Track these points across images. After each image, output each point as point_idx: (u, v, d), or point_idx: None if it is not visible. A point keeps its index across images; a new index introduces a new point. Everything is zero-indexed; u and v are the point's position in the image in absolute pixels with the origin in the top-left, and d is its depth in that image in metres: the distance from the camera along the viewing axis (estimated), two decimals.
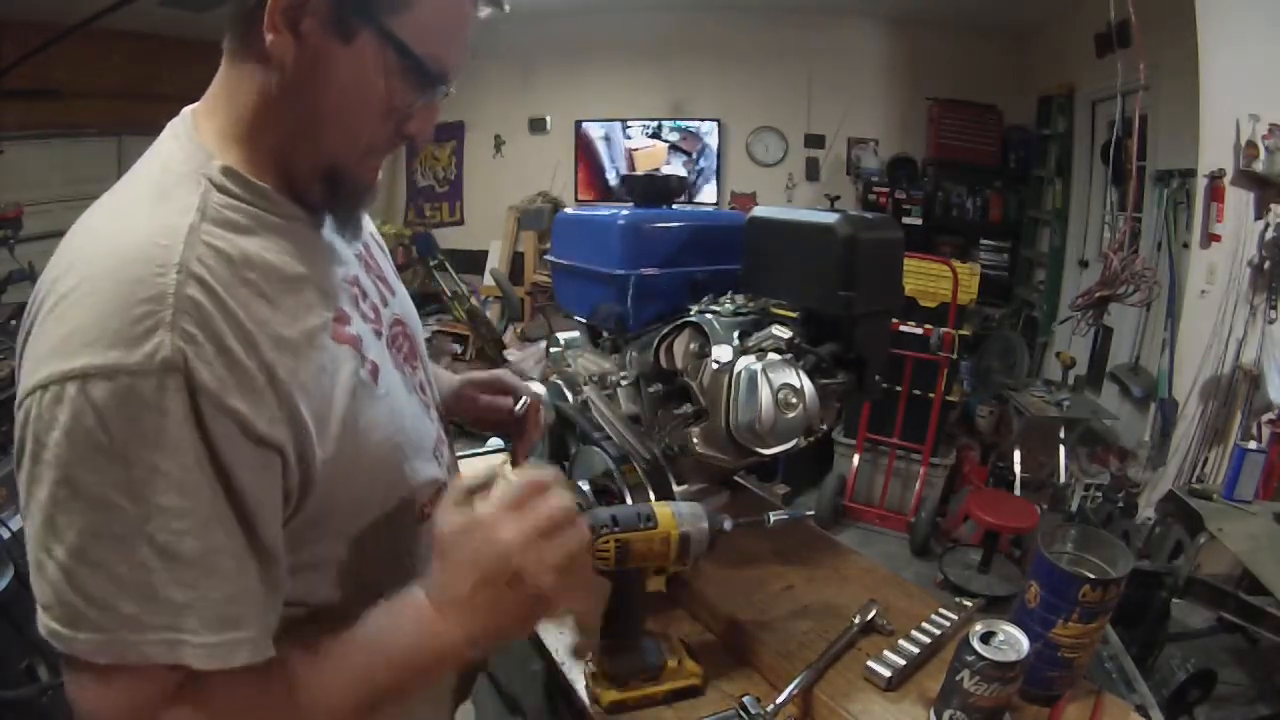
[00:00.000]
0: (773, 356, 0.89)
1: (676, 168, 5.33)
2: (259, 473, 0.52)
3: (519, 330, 5.23)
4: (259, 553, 0.53)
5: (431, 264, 5.41)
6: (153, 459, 0.47)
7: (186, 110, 0.62)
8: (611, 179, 5.53)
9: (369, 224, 0.74)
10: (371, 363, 0.63)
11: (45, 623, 0.52)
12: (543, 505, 0.58)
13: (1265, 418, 2.92)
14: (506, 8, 0.66)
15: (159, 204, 0.54)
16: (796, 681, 0.78)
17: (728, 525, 0.78)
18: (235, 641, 0.51)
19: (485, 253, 5.91)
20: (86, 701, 0.52)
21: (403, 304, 0.76)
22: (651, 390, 1.00)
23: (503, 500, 0.57)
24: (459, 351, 5.63)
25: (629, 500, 0.90)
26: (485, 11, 0.65)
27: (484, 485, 0.59)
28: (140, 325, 0.48)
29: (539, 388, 1.16)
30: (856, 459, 3.39)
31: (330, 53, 0.55)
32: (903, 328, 3.18)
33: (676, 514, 0.75)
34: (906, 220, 4.68)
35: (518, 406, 0.94)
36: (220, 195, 0.56)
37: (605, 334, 1.18)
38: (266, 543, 0.53)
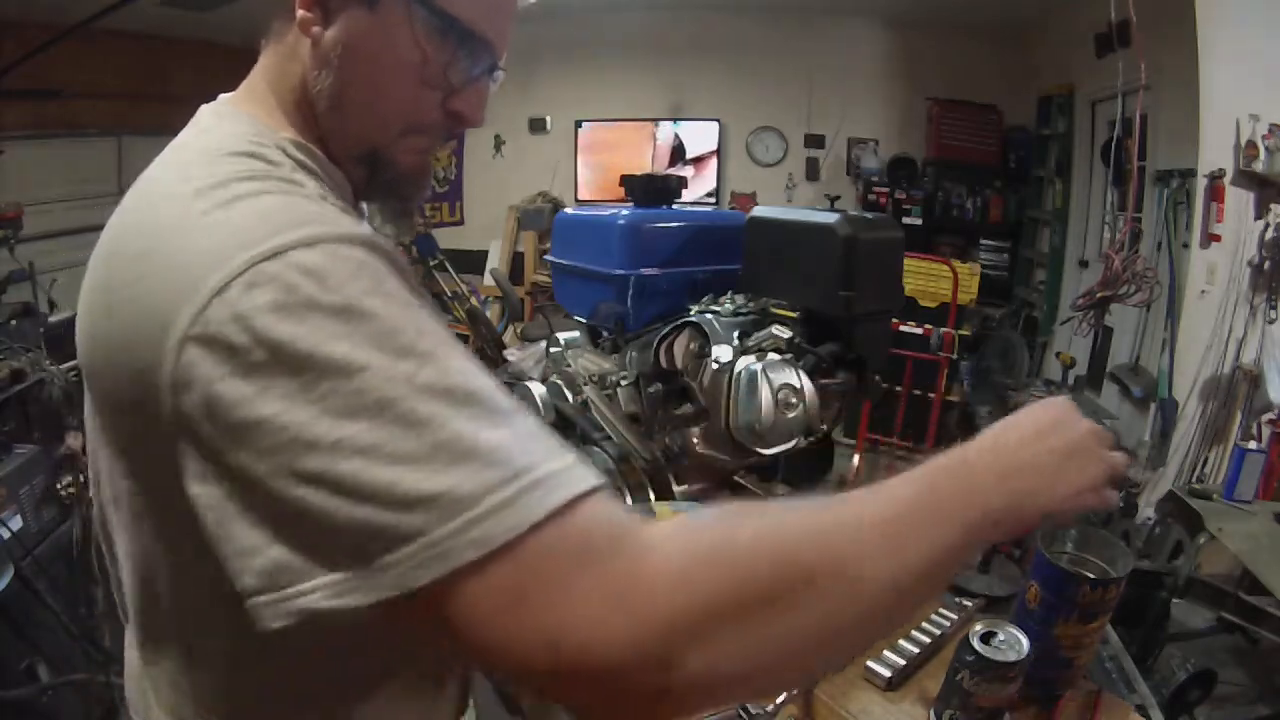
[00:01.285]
0: (773, 356, 0.89)
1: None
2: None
3: (519, 330, 5.22)
4: None
5: (431, 264, 5.40)
6: (396, 304, 0.41)
7: (223, 97, 0.61)
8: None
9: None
10: None
11: (389, 562, 0.35)
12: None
13: (1265, 418, 2.92)
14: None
15: (261, 155, 0.50)
16: None
17: None
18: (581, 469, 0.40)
19: (485, 253, 5.91)
20: (502, 628, 0.36)
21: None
22: (651, 390, 1.00)
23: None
24: None
25: (629, 500, 0.90)
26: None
27: None
28: (318, 219, 0.42)
29: (539, 388, 1.16)
30: (856, 459, 3.39)
31: (356, 20, 0.53)
32: (903, 328, 3.18)
33: (677, 512, 0.75)
34: (906, 220, 4.68)
35: None
36: (301, 167, 0.52)
37: (605, 334, 1.18)
38: None
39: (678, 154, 5.45)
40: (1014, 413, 0.55)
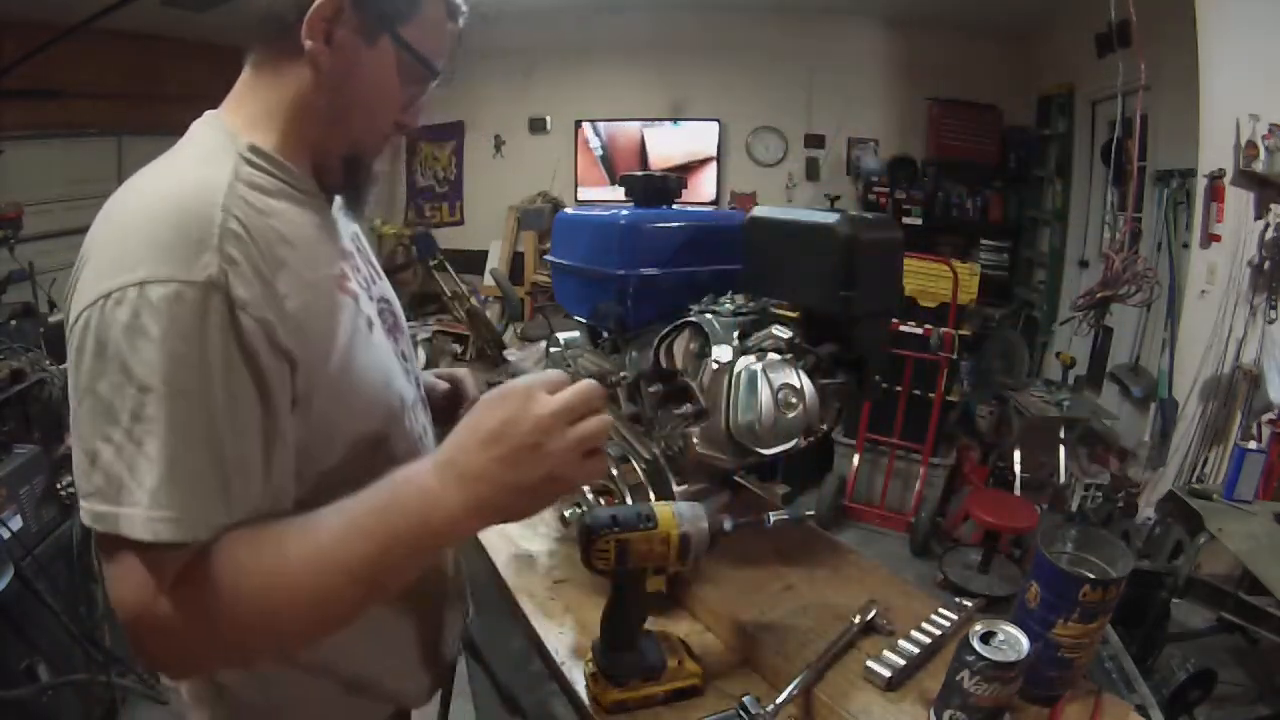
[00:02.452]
0: (773, 356, 0.89)
1: None
2: (276, 371, 0.59)
3: (519, 330, 5.23)
4: (268, 432, 0.59)
5: (431, 264, 5.40)
6: (193, 353, 0.55)
7: (209, 112, 0.74)
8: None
9: (352, 224, 0.82)
10: (366, 316, 0.72)
11: (91, 509, 0.55)
12: (575, 387, 0.60)
13: (1265, 418, 2.92)
14: (461, 22, 0.77)
15: (200, 166, 0.65)
16: (796, 681, 0.78)
17: (728, 526, 0.78)
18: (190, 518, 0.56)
19: (485, 253, 5.91)
20: (123, 584, 0.56)
21: (386, 288, 0.84)
22: (651, 390, 1.00)
23: (538, 380, 0.60)
24: (459, 351, 5.63)
25: (629, 500, 0.90)
26: (457, 24, 0.77)
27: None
28: (192, 248, 0.56)
29: (532, 376, 1.15)
30: (856, 459, 3.39)
31: (358, 55, 0.67)
32: (903, 328, 3.18)
33: (677, 514, 0.75)
34: (906, 220, 4.68)
35: (461, 409, 0.98)
36: (248, 167, 0.66)
37: (605, 334, 1.18)
38: (279, 425, 0.60)
39: None
40: (475, 410, 0.60)
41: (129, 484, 0.54)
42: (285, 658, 0.67)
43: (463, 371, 1.03)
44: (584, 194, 5.69)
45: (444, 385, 1.00)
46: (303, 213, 0.69)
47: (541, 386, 0.60)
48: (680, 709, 0.80)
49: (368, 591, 0.59)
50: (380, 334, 0.75)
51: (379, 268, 0.85)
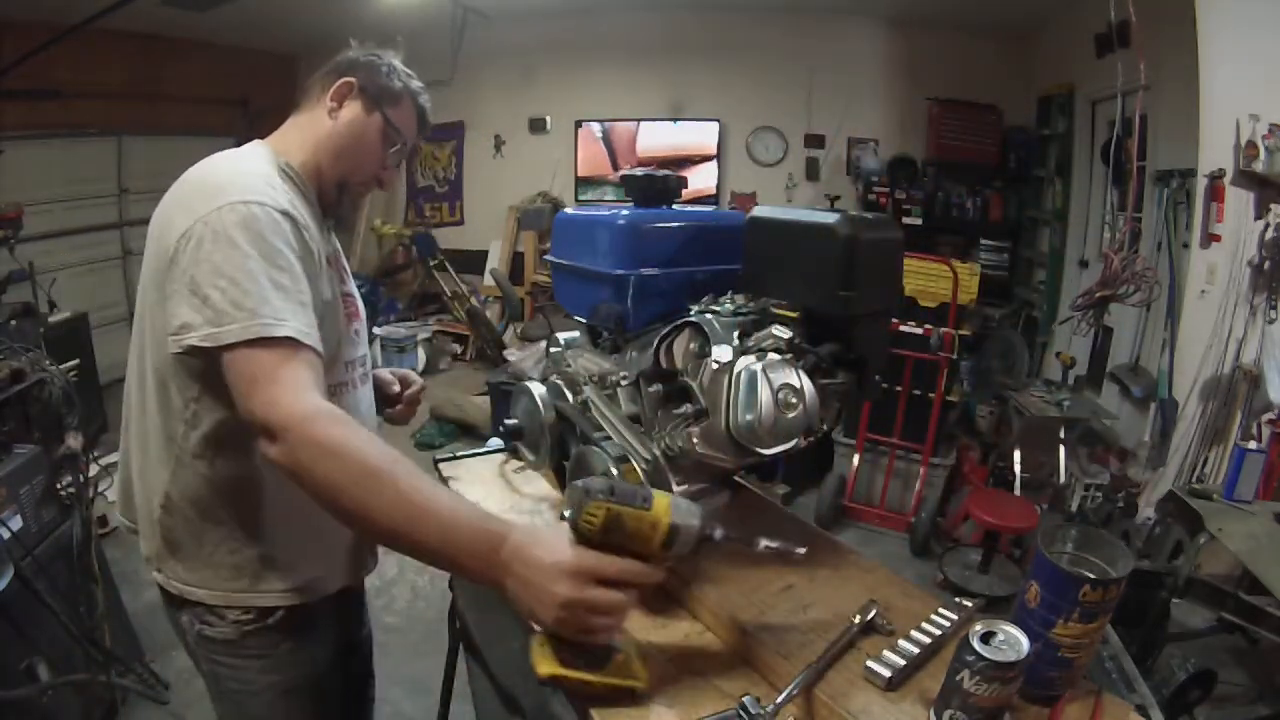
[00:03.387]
0: (773, 356, 0.89)
1: None
2: (312, 268, 0.94)
3: (519, 330, 5.23)
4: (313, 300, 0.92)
5: (431, 264, 5.41)
6: (276, 243, 0.88)
7: (256, 141, 1.07)
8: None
9: (334, 239, 1.16)
10: (330, 285, 1.03)
11: (204, 332, 0.83)
12: (602, 597, 0.72)
13: (1265, 418, 2.92)
14: (420, 145, 1.23)
15: (254, 160, 1.00)
16: (796, 681, 0.78)
17: (718, 534, 0.77)
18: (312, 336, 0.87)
19: (485, 253, 5.91)
20: (242, 376, 0.83)
21: (352, 286, 1.17)
22: (651, 390, 1.00)
23: (593, 566, 0.72)
24: (459, 351, 5.63)
25: None
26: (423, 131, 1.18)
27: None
28: (267, 191, 0.92)
29: (539, 388, 1.16)
30: (856, 459, 3.39)
31: (358, 117, 1.08)
32: (903, 328, 3.18)
33: (673, 505, 0.74)
34: (906, 220, 4.69)
35: (408, 391, 1.33)
36: (281, 171, 1.02)
37: (605, 334, 1.18)
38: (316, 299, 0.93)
39: None
40: (558, 544, 0.73)
41: (264, 307, 0.83)
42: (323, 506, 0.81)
43: (410, 371, 1.37)
44: (584, 191, 5.68)
45: (395, 384, 1.32)
46: (310, 211, 1.03)
47: (591, 573, 0.72)
48: (680, 709, 0.80)
49: (391, 541, 0.77)
50: (335, 299, 1.05)
51: (349, 272, 1.17)
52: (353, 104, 1.06)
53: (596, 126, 5.61)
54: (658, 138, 5.50)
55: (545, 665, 0.76)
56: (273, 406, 0.79)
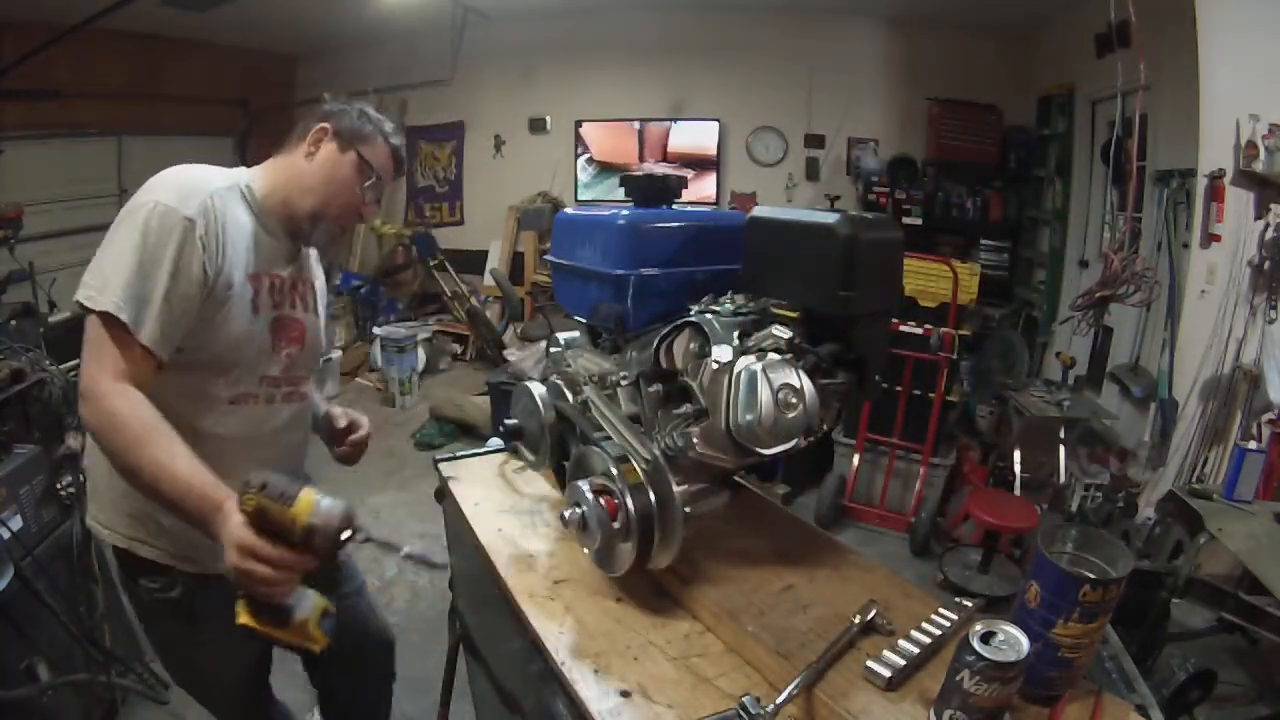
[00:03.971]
0: (773, 356, 0.89)
1: None
2: (199, 272, 1.06)
3: (519, 330, 5.23)
4: (170, 299, 1.04)
5: (431, 264, 5.41)
6: (164, 245, 1.03)
7: (246, 169, 1.23)
8: None
9: (320, 276, 1.39)
10: (254, 302, 1.18)
11: (84, 293, 1.02)
12: (256, 569, 0.88)
13: (1265, 418, 2.92)
14: (380, 198, 1.29)
15: (213, 175, 1.14)
16: (796, 681, 0.78)
17: (360, 536, 0.90)
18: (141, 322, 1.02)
19: (485, 253, 5.91)
20: (87, 340, 1.02)
21: (309, 320, 1.31)
22: (651, 390, 1.00)
23: (246, 544, 0.89)
24: (459, 351, 5.63)
25: (629, 501, 0.90)
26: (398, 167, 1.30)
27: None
28: (188, 199, 1.06)
29: (539, 388, 1.16)
30: (856, 459, 3.39)
31: (333, 156, 1.21)
32: (903, 328, 3.18)
33: (317, 505, 0.87)
34: (906, 220, 4.68)
35: (352, 435, 1.41)
36: (238, 191, 1.17)
37: (605, 334, 1.18)
38: (181, 299, 1.05)
39: None
40: (239, 519, 0.90)
41: (109, 285, 1.00)
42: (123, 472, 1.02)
43: (361, 417, 1.44)
44: (602, 179, 5.64)
45: (341, 419, 1.42)
46: (258, 232, 1.19)
47: (250, 550, 0.88)
48: (680, 708, 0.80)
49: (149, 495, 0.99)
50: (262, 318, 1.19)
51: (315, 303, 1.34)
52: (328, 145, 1.20)
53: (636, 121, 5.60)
54: (688, 137, 5.49)
55: (242, 616, 0.93)
56: (85, 376, 1.00)
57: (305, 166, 1.20)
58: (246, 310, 1.15)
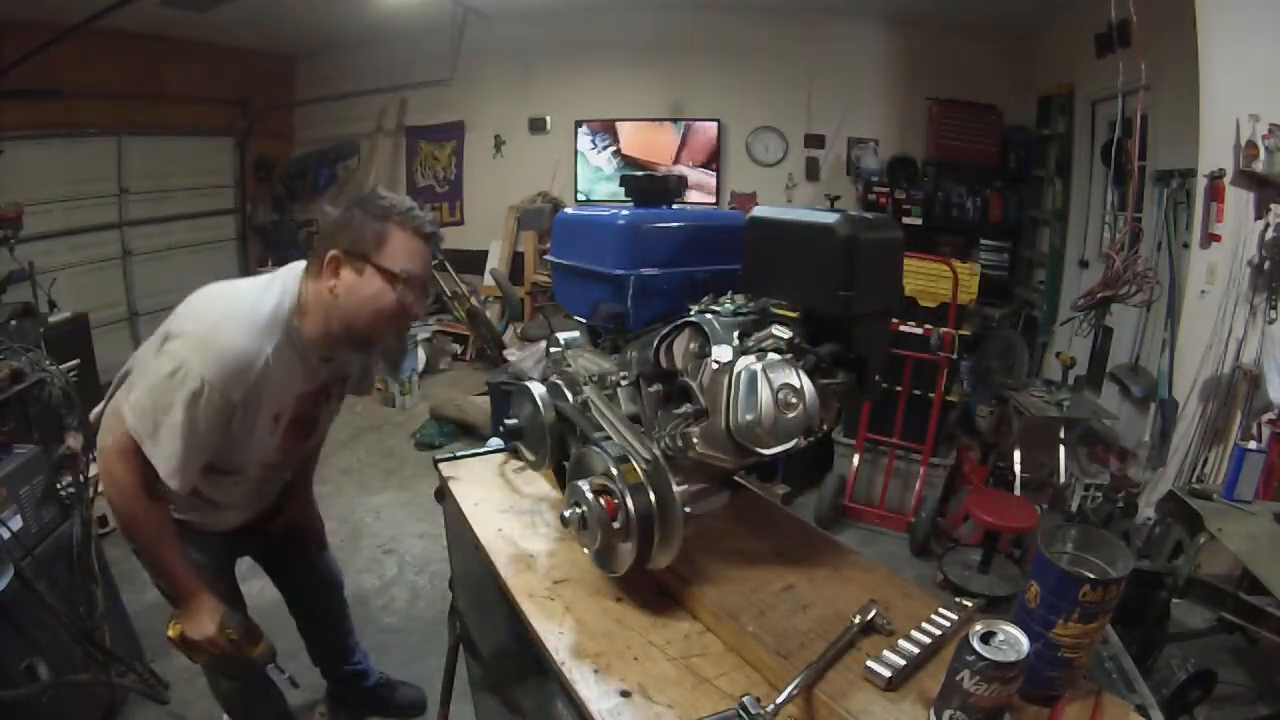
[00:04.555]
0: (773, 356, 0.89)
1: None
2: (225, 422, 1.23)
3: (519, 330, 5.23)
4: (207, 449, 1.25)
5: (431, 264, 5.40)
6: (196, 414, 1.18)
7: (300, 271, 1.29)
8: None
9: (338, 367, 1.41)
10: (273, 422, 1.33)
11: (135, 424, 1.21)
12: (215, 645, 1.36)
13: (1265, 418, 2.92)
14: (423, 291, 1.30)
15: (262, 334, 1.22)
16: (796, 681, 0.78)
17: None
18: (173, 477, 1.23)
19: (485, 253, 5.91)
20: (116, 451, 1.24)
21: (328, 411, 1.50)
22: (651, 390, 1.00)
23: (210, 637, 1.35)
24: (459, 351, 5.63)
25: (629, 501, 0.90)
26: (428, 241, 1.27)
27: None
28: (238, 379, 1.19)
29: (539, 388, 1.16)
30: (856, 459, 3.39)
31: (354, 282, 1.22)
32: (903, 328, 3.18)
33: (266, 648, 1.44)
34: (906, 220, 4.68)
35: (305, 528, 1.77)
36: (286, 336, 1.25)
37: (605, 334, 1.18)
38: (211, 445, 1.25)
39: None
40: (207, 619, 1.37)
41: (160, 447, 1.20)
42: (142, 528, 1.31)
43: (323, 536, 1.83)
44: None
45: (309, 524, 1.78)
46: (304, 371, 1.30)
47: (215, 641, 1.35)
48: (680, 708, 0.80)
49: (148, 565, 1.37)
50: (279, 434, 1.35)
51: (329, 397, 1.46)
52: (345, 271, 1.21)
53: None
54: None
55: (171, 630, 1.36)
56: (120, 472, 1.23)
57: (334, 301, 1.21)
58: (265, 434, 1.32)
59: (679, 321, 0.99)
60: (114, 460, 1.22)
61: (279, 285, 1.26)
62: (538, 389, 1.17)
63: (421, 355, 5.02)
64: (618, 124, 5.61)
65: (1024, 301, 4.75)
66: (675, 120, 5.46)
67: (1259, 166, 2.85)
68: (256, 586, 1.84)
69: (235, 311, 1.21)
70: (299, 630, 1.93)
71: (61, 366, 1.93)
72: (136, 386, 1.21)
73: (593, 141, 5.70)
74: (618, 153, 5.65)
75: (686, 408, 0.94)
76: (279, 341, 1.22)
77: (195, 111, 5.26)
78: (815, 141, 5.25)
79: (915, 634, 0.86)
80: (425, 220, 1.24)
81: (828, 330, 0.97)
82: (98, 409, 1.44)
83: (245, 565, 1.73)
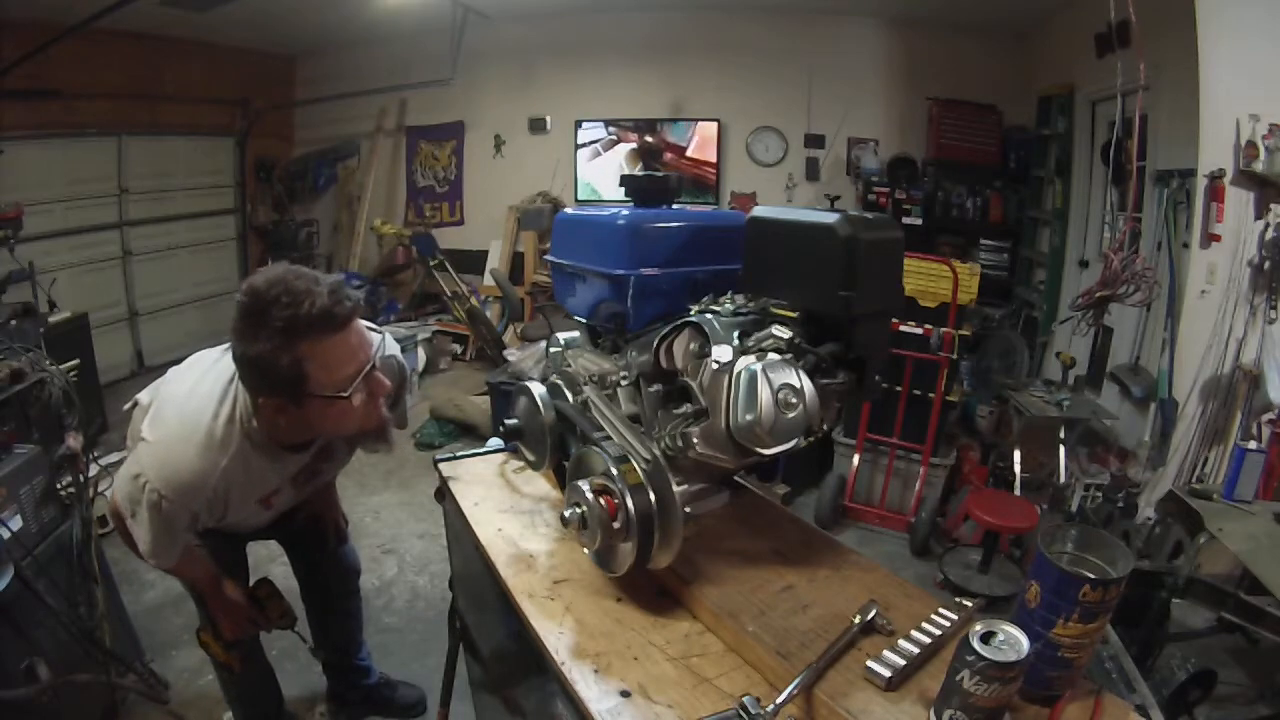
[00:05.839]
0: (773, 356, 0.89)
1: None
2: (194, 525, 1.33)
3: (519, 330, 5.23)
4: (187, 539, 1.37)
5: (431, 264, 5.40)
6: (178, 529, 1.29)
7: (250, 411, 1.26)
8: None
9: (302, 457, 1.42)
10: (264, 500, 1.41)
11: (116, 491, 1.30)
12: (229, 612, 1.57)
13: (1265, 418, 2.91)
14: (370, 383, 1.23)
15: (215, 450, 1.23)
16: (796, 681, 0.78)
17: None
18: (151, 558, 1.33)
19: (485, 253, 5.91)
20: (114, 511, 1.34)
21: (330, 469, 1.57)
22: (651, 390, 1.00)
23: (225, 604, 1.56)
24: (459, 351, 5.63)
25: (629, 501, 0.90)
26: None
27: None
28: (189, 497, 1.24)
29: (539, 388, 1.16)
30: (856, 459, 3.39)
31: (292, 411, 1.18)
32: (903, 328, 3.17)
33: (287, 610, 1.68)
34: (906, 220, 4.68)
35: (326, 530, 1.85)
36: (249, 440, 1.26)
37: (605, 334, 1.18)
38: (189, 536, 1.37)
39: None
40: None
41: (135, 519, 1.27)
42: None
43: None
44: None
45: (323, 514, 1.81)
46: (261, 465, 1.30)
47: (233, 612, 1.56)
48: (680, 708, 0.80)
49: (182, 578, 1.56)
50: (267, 510, 1.45)
51: (346, 454, 1.56)
52: (287, 410, 1.16)
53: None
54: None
55: (204, 636, 1.61)
56: (112, 500, 1.33)
57: (281, 429, 1.24)
58: (254, 514, 1.44)
59: (679, 321, 0.99)
60: (116, 517, 1.34)
61: (234, 392, 1.24)
62: (538, 389, 1.17)
63: (421, 355, 5.02)
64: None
65: (1024, 301, 4.75)
66: (675, 120, 5.46)
67: (1259, 166, 2.85)
68: (273, 574, 1.85)
69: (196, 425, 1.22)
70: (309, 621, 1.95)
71: (61, 366, 1.93)
72: (123, 464, 1.28)
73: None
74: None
75: (686, 408, 0.94)
76: (235, 450, 1.23)
77: (195, 111, 5.26)
78: (815, 141, 5.25)
79: (915, 634, 0.86)
80: (340, 299, 1.07)
81: (828, 330, 0.97)
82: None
83: (262, 553, 1.80)
